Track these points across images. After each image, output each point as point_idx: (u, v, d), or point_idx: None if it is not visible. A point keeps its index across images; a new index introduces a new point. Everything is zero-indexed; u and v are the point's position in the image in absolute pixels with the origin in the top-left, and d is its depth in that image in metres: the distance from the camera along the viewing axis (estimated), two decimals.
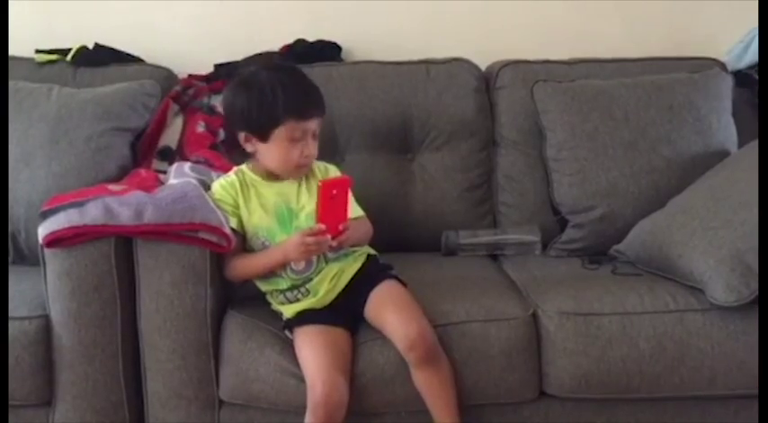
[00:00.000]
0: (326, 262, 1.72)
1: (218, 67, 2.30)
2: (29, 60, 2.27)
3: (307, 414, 1.58)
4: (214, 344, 1.69)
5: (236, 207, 1.73)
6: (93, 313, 1.65)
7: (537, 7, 2.42)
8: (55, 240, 1.61)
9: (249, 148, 1.74)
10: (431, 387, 1.63)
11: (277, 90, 1.68)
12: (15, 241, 1.98)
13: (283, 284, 1.72)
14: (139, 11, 2.39)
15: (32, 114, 2.02)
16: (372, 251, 1.82)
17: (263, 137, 1.70)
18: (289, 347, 1.67)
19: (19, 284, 1.76)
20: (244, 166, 1.79)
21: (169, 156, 2.11)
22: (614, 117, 2.10)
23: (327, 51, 2.35)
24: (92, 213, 1.61)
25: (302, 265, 1.70)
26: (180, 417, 1.70)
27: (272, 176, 1.77)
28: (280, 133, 1.69)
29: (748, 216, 1.71)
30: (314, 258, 1.70)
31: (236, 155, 1.85)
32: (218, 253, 1.68)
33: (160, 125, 2.14)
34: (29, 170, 1.97)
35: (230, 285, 1.77)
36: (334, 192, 1.62)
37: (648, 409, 1.73)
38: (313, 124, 1.71)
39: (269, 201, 1.74)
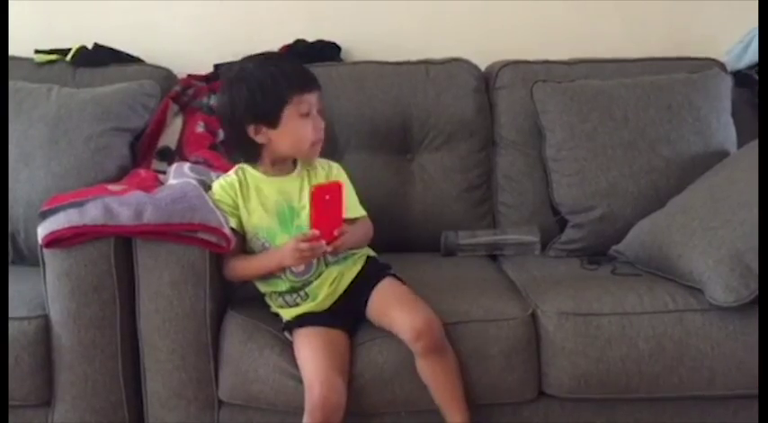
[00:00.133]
0: (326, 265, 1.72)
1: (217, 67, 2.29)
2: (28, 60, 2.27)
3: (304, 415, 1.58)
4: (214, 344, 1.69)
5: (236, 208, 1.73)
6: (92, 313, 1.65)
7: (537, 7, 2.42)
8: (54, 240, 1.61)
9: (261, 139, 1.73)
10: (436, 377, 1.62)
11: (273, 74, 1.71)
12: (15, 241, 1.98)
13: (282, 286, 1.72)
14: (139, 11, 2.39)
15: (32, 114, 2.02)
16: (372, 252, 1.83)
17: (273, 122, 1.71)
18: (288, 349, 1.67)
19: (18, 284, 1.76)
20: (245, 164, 1.79)
21: (168, 156, 2.11)
22: (614, 117, 2.10)
23: (327, 51, 2.35)
24: (91, 213, 1.61)
25: (301, 267, 1.70)
26: (179, 417, 1.70)
27: (274, 171, 1.77)
28: (289, 112, 1.70)
29: (748, 216, 1.71)
30: (313, 261, 1.70)
31: (235, 155, 1.85)
32: (218, 253, 1.68)
33: (160, 125, 2.15)
34: (28, 170, 1.97)
35: (230, 286, 1.77)
36: (327, 197, 1.61)
37: (648, 409, 1.72)
38: (315, 98, 1.73)
39: (270, 199, 1.74)
